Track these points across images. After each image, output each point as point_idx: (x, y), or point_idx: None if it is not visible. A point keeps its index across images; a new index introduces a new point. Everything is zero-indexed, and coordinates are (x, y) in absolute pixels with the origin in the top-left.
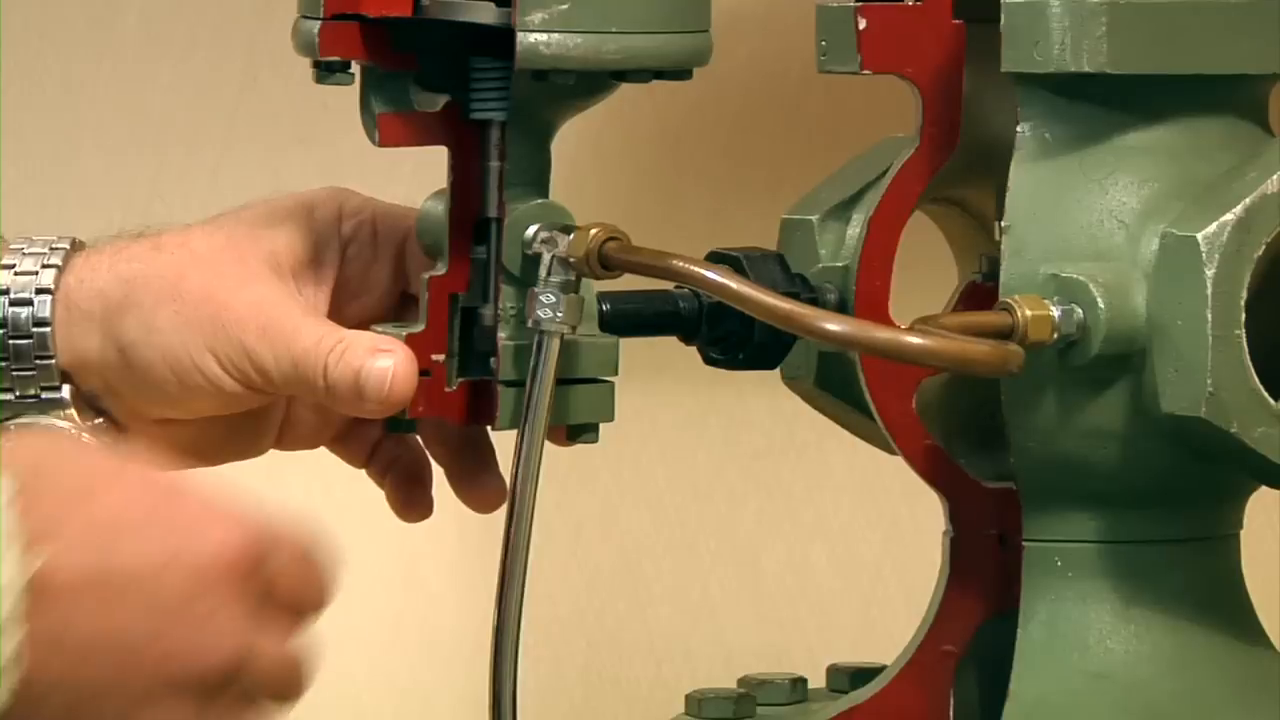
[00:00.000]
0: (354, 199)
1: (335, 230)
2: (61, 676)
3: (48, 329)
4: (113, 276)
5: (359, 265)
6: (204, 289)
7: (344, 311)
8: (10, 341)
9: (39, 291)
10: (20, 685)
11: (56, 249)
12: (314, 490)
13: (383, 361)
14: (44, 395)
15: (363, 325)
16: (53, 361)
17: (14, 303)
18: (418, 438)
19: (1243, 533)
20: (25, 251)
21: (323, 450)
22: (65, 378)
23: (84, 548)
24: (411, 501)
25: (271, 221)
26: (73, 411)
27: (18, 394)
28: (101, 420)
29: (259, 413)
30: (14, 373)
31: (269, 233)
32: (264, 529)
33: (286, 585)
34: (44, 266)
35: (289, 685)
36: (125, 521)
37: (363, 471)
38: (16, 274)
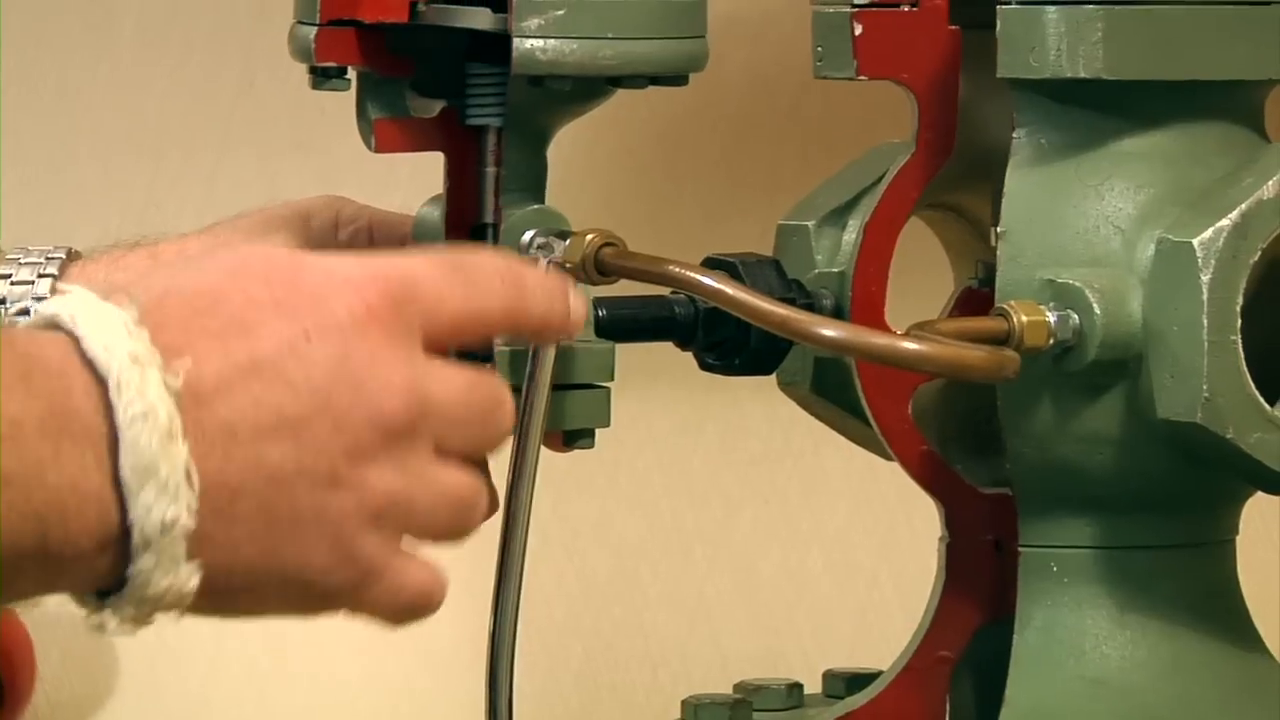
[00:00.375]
0: (350, 207)
1: (332, 238)
2: (240, 478)
3: None
4: (109, 286)
5: None
6: None
7: None
8: None
9: (36, 300)
10: (202, 500)
11: (53, 259)
12: None
13: None
14: None
15: None
16: None
17: (12, 312)
18: None
19: (1240, 539)
20: (22, 261)
21: None
22: None
23: (220, 351)
24: None
25: (267, 230)
26: None
27: None
28: None
29: None
30: None
31: (265, 241)
32: (396, 270)
33: (442, 317)
34: (40, 276)
35: (481, 416)
36: (253, 317)
37: None
38: (13, 284)
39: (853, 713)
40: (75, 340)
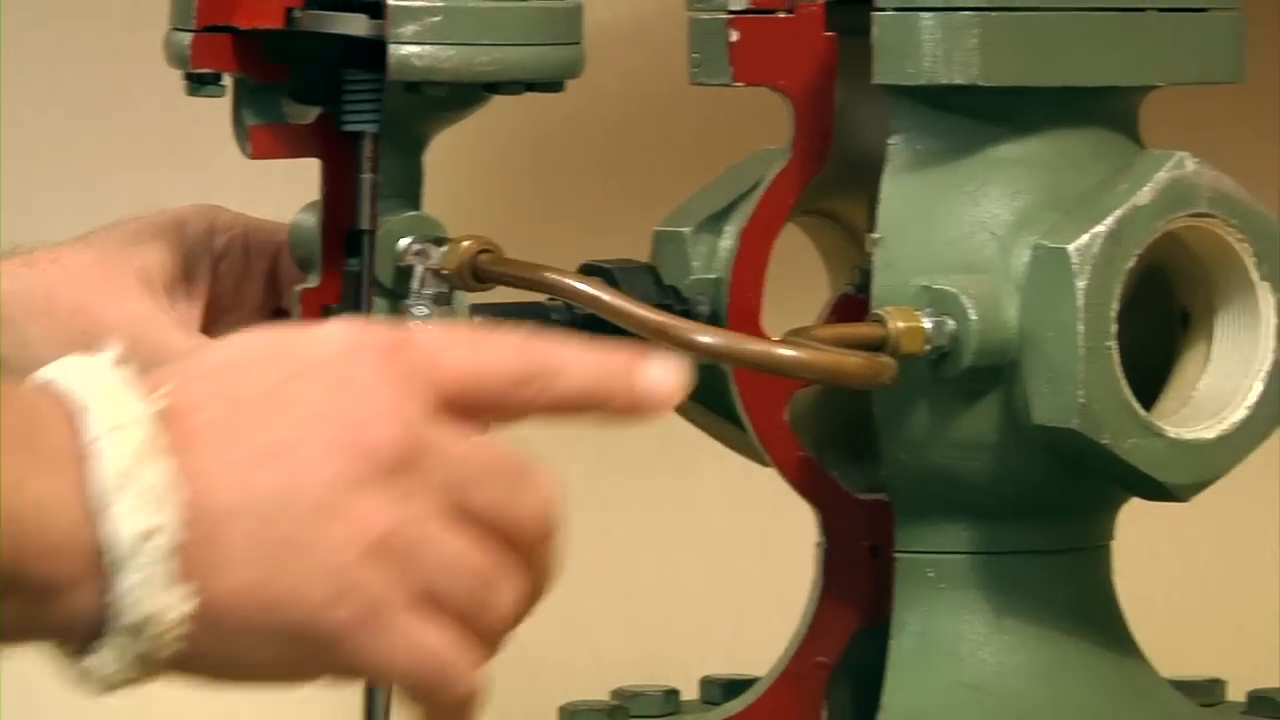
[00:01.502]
0: (225, 215)
1: (207, 246)
2: (230, 500)
3: None
4: None
5: (231, 280)
6: (75, 303)
7: (218, 326)
8: None
9: None
10: (190, 516)
11: None
12: None
13: None
14: None
15: None
16: None
17: None
18: None
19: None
20: None
21: None
22: None
23: (205, 383)
24: None
25: (142, 238)
26: None
27: None
28: None
29: None
30: None
31: (140, 249)
32: (394, 328)
33: (445, 369)
34: None
35: (506, 479)
36: (242, 359)
37: None
38: None
39: (730, 718)
40: (50, 380)
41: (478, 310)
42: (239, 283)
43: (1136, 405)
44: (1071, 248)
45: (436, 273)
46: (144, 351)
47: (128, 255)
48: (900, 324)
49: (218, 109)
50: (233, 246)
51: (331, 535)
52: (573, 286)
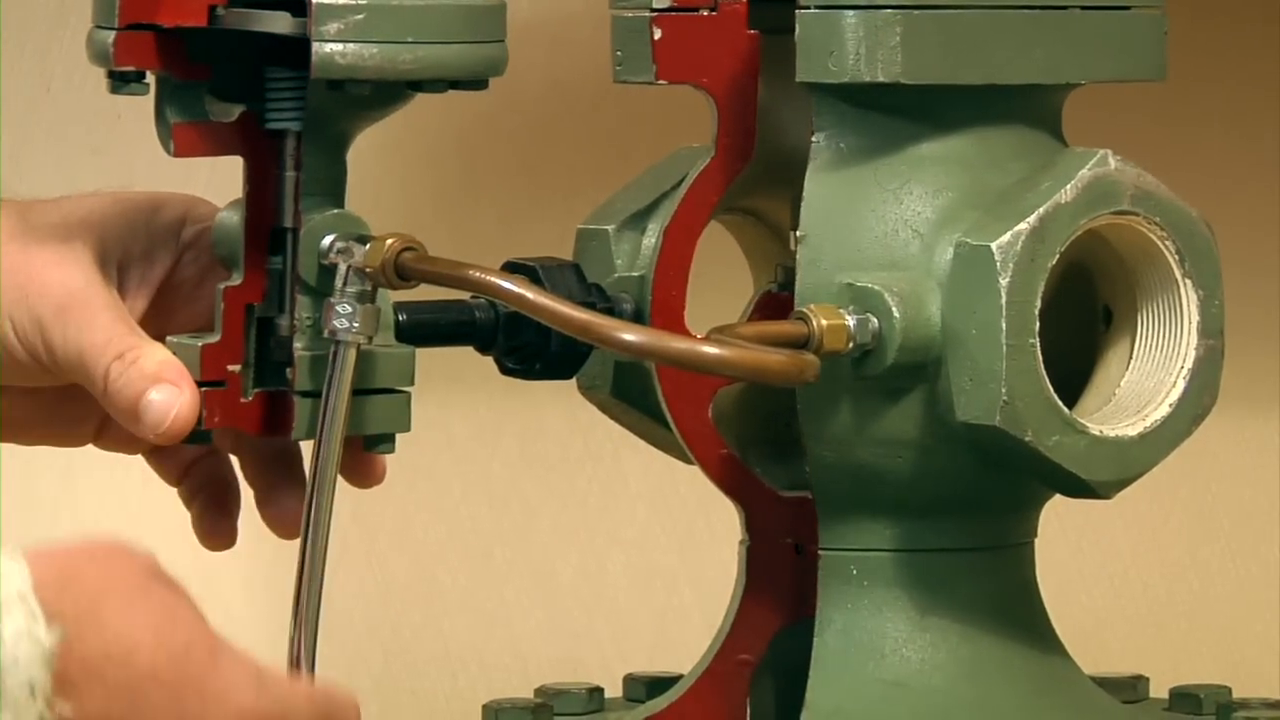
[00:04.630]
0: (203, 208)
1: (174, 234)
2: None
3: None
4: None
5: (194, 271)
6: (21, 257)
7: (174, 316)
8: None
9: None
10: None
11: None
12: (115, 494)
13: (162, 395)
14: None
15: (189, 331)
16: None
17: None
18: (234, 466)
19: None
20: None
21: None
22: None
23: (107, 699)
24: (216, 530)
25: (110, 212)
26: None
27: None
28: None
29: (76, 399)
30: None
31: (105, 222)
32: (286, 692)
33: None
34: None
35: None
36: (149, 685)
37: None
38: None
39: (653, 716)
40: None
41: (401, 308)
42: (202, 276)
43: (1059, 403)
44: (994, 245)
45: (360, 270)
46: (66, 319)
47: (90, 225)
48: (823, 321)
49: (140, 106)
50: (202, 239)
51: None
52: (497, 284)
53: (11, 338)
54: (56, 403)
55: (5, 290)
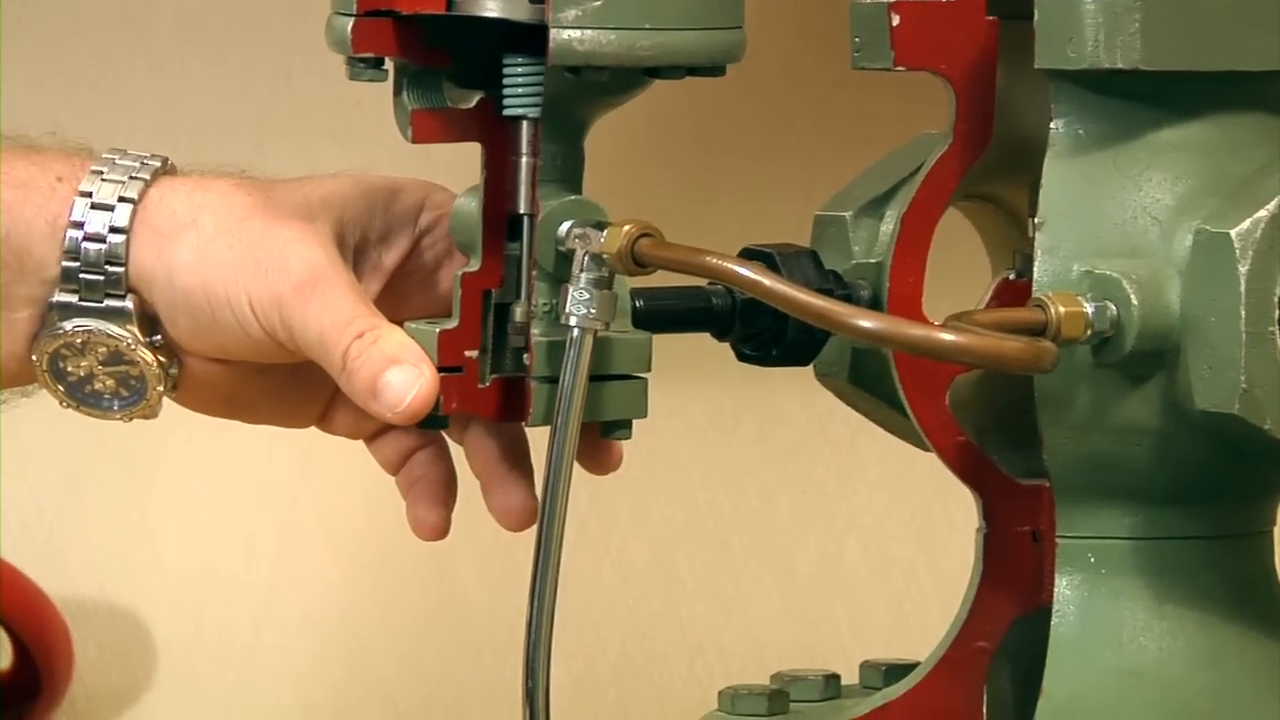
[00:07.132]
0: (441, 194)
1: (412, 219)
2: None
3: (122, 237)
4: (189, 201)
5: (432, 257)
6: (263, 233)
7: (407, 302)
8: (84, 244)
9: (121, 200)
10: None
11: (148, 164)
12: (356, 479)
13: (402, 376)
14: (108, 303)
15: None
16: (122, 270)
17: (94, 206)
18: (450, 458)
19: None
20: (117, 162)
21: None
22: (133, 291)
23: None
24: (429, 520)
25: (351, 193)
26: (134, 326)
27: (82, 297)
28: (159, 338)
29: (305, 380)
30: (82, 275)
31: (345, 203)
32: None
33: None
34: (131, 178)
35: None
36: None
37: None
38: (104, 179)
39: (890, 703)
40: None
41: (638, 294)
42: (439, 262)
43: None
44: (1234, 233)
45: (597, 257)
46: (307, 297)
47: (331, 205)
48: (1062, 309)
49: (379, 93)
50: (440, 225)
51: None
52: (734, 271)
53: (248, 313)
54: (286, 382)
55: (245, 265)
